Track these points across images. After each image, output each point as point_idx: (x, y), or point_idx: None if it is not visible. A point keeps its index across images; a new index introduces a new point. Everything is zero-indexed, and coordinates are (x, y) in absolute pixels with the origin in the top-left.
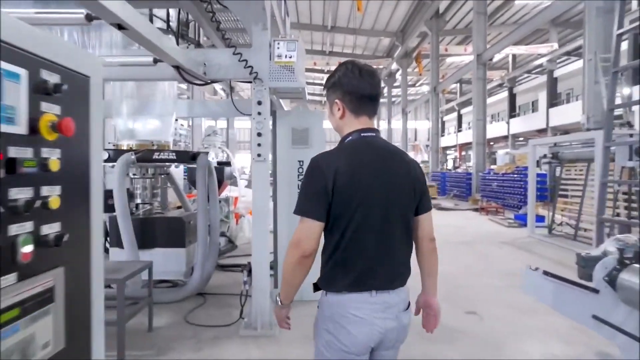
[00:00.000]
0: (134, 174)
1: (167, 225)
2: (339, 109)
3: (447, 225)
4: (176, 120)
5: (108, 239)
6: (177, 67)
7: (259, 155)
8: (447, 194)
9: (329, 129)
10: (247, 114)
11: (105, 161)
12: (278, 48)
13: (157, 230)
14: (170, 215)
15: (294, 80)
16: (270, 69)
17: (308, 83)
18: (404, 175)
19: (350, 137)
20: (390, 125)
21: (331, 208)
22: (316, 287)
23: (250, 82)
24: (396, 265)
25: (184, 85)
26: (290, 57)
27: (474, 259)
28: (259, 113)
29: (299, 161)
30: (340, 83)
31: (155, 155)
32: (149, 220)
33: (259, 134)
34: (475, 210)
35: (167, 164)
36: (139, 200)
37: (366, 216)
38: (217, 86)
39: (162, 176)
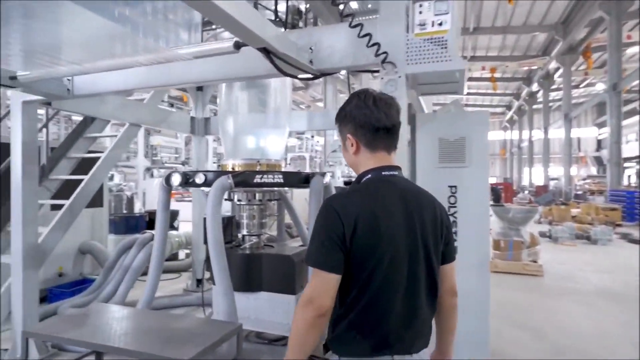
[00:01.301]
0: (239, 200)
1: (273, 265)
2: (352, 145)
3: None
4: (312, 136)
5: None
6: (267, 52)
7: None
8: (637, 221)
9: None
10: None
11: (202, 185)
12: (420, 12)
13: (263, 270)
14: (278, 252)
15: (448, 59)
16: (407, 45)
17: None
18: (431, 220)
19: (369, 176)
20: (547, 135)
21: (349, 260)
22: (326, 348)
23: (375, 71)
24: (420, 326)
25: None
26: (440, 25)
27: None
28: None
29: (450, 187)
30: (351, 115)
31: (257, 179)
32: (254, 256)
33: None
34: None
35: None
36: (245, 231)
37: (390, 271)
38: None
39: (273, 202)
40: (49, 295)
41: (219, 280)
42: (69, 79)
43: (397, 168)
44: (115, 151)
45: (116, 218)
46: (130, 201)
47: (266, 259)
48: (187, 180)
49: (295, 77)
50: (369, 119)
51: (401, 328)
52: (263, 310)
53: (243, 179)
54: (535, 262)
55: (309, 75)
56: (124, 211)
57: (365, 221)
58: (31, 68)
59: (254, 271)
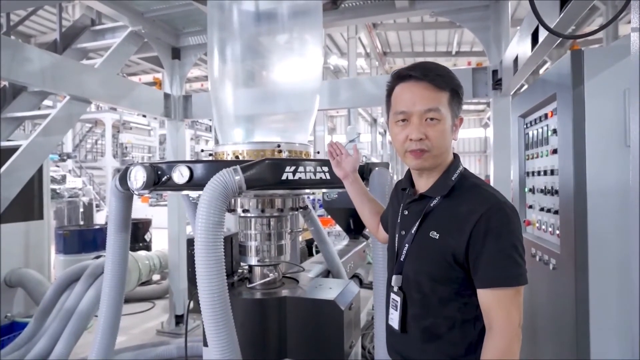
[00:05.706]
0: (244, 210)
1: (307, 315)
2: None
3: None
4: (353, 140)
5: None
6: None
7: None
8: None
9: None
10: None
11: (186, 185)
12: None
13: (288, 324)
14: (312, 295)
15: None
16: None
17: None
18: None
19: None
20: None
21: None
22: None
23: None
24: None
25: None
26: None
27: None
28: None
29: None
30: (461, 89)
31: (288, 172)
32: (273, 302)
33: None
34: None
35: (307, 190)
36: (254, 259)
37: None
38: None
39: (296, 213)
40: None
41: (217, 347)
42: None
43: None
44: (44, 138)
45: (66, 233)
46: (89, 209)
47: (294, 306)
48: (159, 179)
49: None
50: None
51: None
52: None
53: (262, 172)
54: None
55: None
56: (80, 222)
57: None
58: None
59: (273, 327)
